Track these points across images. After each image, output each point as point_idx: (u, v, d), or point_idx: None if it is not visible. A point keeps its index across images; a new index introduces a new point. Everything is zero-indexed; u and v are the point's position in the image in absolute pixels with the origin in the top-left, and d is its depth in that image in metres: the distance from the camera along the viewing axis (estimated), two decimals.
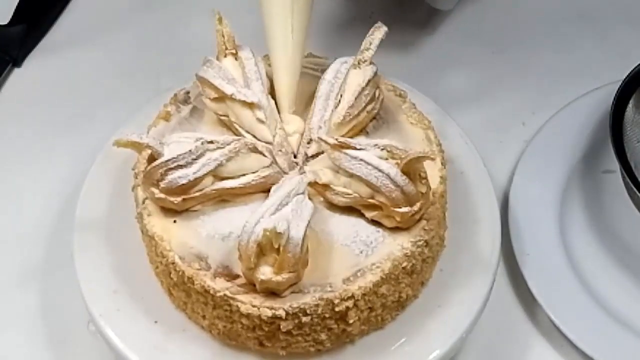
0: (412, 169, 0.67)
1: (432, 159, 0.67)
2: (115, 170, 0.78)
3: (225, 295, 0.67)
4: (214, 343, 0.71)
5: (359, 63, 0.73)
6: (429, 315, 0.72)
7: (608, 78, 0.89)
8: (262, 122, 0.72)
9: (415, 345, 0.71)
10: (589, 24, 1.01)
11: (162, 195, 0.69)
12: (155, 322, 0.72)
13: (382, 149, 0.68)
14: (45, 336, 0.79)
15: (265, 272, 0.65)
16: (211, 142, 0.69)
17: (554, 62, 0.97)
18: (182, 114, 0.76)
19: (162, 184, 0.69)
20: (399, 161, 0.67)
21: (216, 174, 0.69)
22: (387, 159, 0.67)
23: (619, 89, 0.82)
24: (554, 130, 0.89)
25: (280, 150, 0.72)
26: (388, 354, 0.71)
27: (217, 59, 0.74)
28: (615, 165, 0.80)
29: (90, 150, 0.83)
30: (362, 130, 0.74)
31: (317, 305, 0.66)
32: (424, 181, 0.69)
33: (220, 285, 0.67)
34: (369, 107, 0.74)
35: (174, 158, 0.68)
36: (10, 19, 0.99)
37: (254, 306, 0.66)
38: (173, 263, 0.68)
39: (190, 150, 0.68)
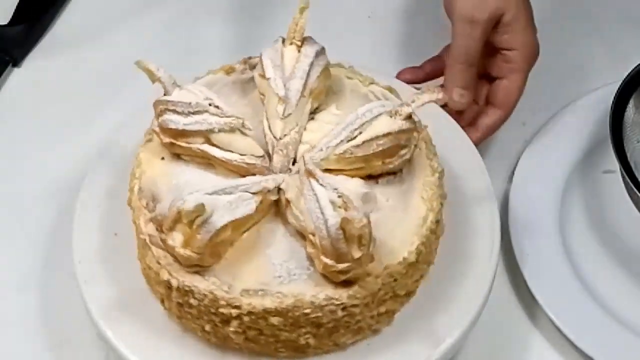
0: (347, 229, 0.65)
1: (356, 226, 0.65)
2: (115, 170, 0.78)
3: (145, 240, 0.68)
4: (213, 346, 0.71)
5: (395, 113, 0.71)
6: (428, 315, 0.72)
7: (608, 78, 0.89)
8: (279, 116, 0.72)
9: (415, 345, 0.71)
10: (589, 24, 1.00)
11: (157, 129, 0.71)
12: (156, 322, 0.72)
13: (339, 196, 0.66)
14: (45, 336, 0.79)
15: (175, 240, 0.66)
16: (217, 107, 0.71)
17: (554, 62, 0.97)
18: (243, 76, 0.77)
19: (159, 120, 0.71)
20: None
21: (208, 137, 0.71)
22: (339, 206, 0.65)
23: (619, 89, 0.82)
24: (554, 130, 0.89)
25: (281, 150, 0.72)
26: (388, 354, 0.71)
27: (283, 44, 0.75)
28: (615, 165, 0.80)
29: (90, 150, 0.83)
30: (372, 178, 0.72)
31: (204, 295, 0.67)
32: (362, 247, 0.65)
33: (147, 229, 0.69)
34: (387, 159, 0.71)
35: (174, 102, 0.70)
36: (10, 19, 0.99)
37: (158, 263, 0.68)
38: (132, 190, 0.71)
39: (189, 103, 0.70)
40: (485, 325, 0.76)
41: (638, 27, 1.00)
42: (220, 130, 0.70)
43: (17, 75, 0.97)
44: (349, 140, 0.70)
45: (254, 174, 0.71)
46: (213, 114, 0.70)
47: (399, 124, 0.71)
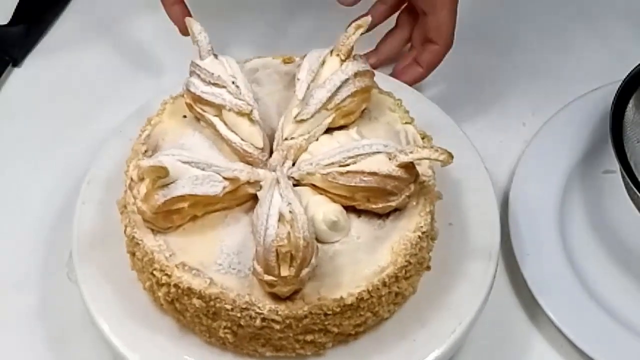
0: (278, 246, 0.65)
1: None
2: (115, 170, 0.78)
3: (127, 182, 0.71)
4: (212, 345, 0.71)
5: (393, 157, 0.70)
6: (428, 315, 0.72)
7: (608, 78, 0.89)
8: (297, 120, 0.72)
9: (414, 345, 0.71)
10: (589, 24, 1.01)
11: (184, 87, 0.75)
12: (156, 322, 0.72)
13: (290, 212, 0.65)
14: (45, 336, 0.79)
15: (140, 191, 0.68)
16: (237, 87, 0.72)
17: (554, 62, 0.97)
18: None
19: (188, 79, 0.74)
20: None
21: (221, 112, 0.72)
22: (287, 222, 0.65)
23: (619, 89, 0.82)
24: (554, 130, 0.89)
25: (282, 150, 0.72)
26: (386, 354, 0.71)
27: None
28: (615, 165, 0.80)
29: (89, 150, 0.83)
30: (355, 211, 0.71)
31: (146, 253, 0.69)
32: (291, 268, 0.65)
33: (132, 173, 0.70)
34: (371, 199, 0.70)
35: (200, 67, 0.73)
36: (10, 19, 0.99)
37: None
38: (140, 134, 0.74)
39: (212, 74, 0.72)
40: (485, 325, 0.76)
41: (638, 27, 1.00)
42: (230, 110, 0.72)
43: (17, 75, 0.97)
44: (339, 165, 0.69)
45: (248, 163, 0.71)
46: (230, 92, 0.72)
47: (389, 168, 0.69)
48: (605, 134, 0.81)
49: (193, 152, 0.71)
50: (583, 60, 0.97)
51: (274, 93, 0.77)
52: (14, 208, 0.87)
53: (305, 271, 0.65)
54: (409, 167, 0.69)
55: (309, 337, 0.68)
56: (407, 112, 0.77)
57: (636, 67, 0.83)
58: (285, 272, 0.64)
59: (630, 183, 0.78)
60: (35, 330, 0.79)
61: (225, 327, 0.68)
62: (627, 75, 0.83)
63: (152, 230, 0.70)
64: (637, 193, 0.77)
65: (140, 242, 0.69)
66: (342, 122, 0.74)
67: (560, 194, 0.85)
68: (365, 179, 0.69)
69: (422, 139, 0.75)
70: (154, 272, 0.69)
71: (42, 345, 0.79)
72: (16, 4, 1.00)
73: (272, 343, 0.69)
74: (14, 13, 0.99)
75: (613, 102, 0.81)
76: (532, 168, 0.86)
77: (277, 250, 0.64)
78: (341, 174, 0.69)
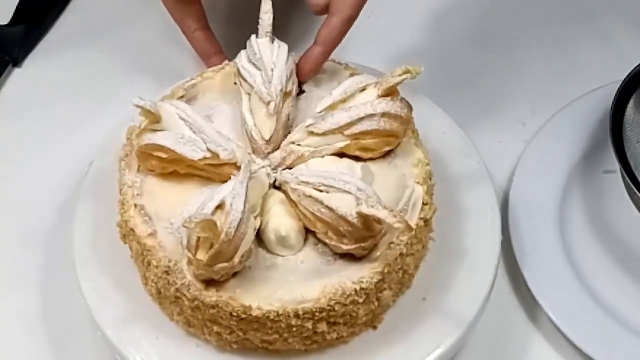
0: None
1: None
2: (115, 170, 0.78)
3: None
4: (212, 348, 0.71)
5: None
6: (428, 315, 0.72)
7: (608, 78, 0.89)
8: (308, 129, 0.72)
9: (414, 345, 0.71)
10: (589, 24, 1.01)
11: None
12: (158, 323, 0.72)
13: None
14: (45, 336, 0.79)
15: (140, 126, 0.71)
16: (271, 75, 0.73)
17: (554, 62, 0.97)
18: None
19: (241, 50, 0.76)
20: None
21: (252, 94, 0.74)
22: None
23: (619, 89, 0.82)
24: (554, 130, 0.89)
25: (284, 151, 0.72)
26: (386, 353, 0.71)
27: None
28: (615, 165, 0.80)
29: (90, 150, 0.83)
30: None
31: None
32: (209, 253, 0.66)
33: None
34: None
35: (250, 43, 0.75)
36: (10, 19, 0.99)
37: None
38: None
39: (255, 54, 0.74)
40: (485, 325, 0.76)
41: (638, 27, 1.00)
42: (256, 93, 0.73)
43: (17, 75, 0.97)
44: (312, 188, 0.68)
45: (253, 149, 0.72)
46: (262, 77, 0.73)
47: (348, 211, 0.66)
48: (605, 134, 0.81)
49: (197, 115, 0.71)
50: (583, 60, 0.97)
51: (324, 97, 0.75)
52: (14, 208, 0.87)
53: (220, 265, 0.65)
54: (368, 219, 0.66)
55: (215, 328, 0.68)
56: (430, 173, 0.73)
57: (636, 67, 0.83)
58: (199, 255, 0.65)
59: (630, 183, 0.78)
60: (35, 331, 0.79)
61: (152, 281, 0.70)
62: (627, 75, 0.83)
63: (139, 166, 0.72)
64: (637, 193, 0.77)
65: (123, 171, 0.72)
66: (357, 153, 0.72)
67: (560, 194, 0.85)
68: (322, 210, 0.67)
69: (429, 178, 0.73)
70: (121, 201, 0.71)
71: (42, 345, 0.79)
72: (16, 4, 1.00)
73: (186, 317, 0.69)
74: (14, 13, 0.99)
75: (613, 102, 0.81)
76: (532, 168, 0.86)
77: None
78: (306, 195, 0.68)
